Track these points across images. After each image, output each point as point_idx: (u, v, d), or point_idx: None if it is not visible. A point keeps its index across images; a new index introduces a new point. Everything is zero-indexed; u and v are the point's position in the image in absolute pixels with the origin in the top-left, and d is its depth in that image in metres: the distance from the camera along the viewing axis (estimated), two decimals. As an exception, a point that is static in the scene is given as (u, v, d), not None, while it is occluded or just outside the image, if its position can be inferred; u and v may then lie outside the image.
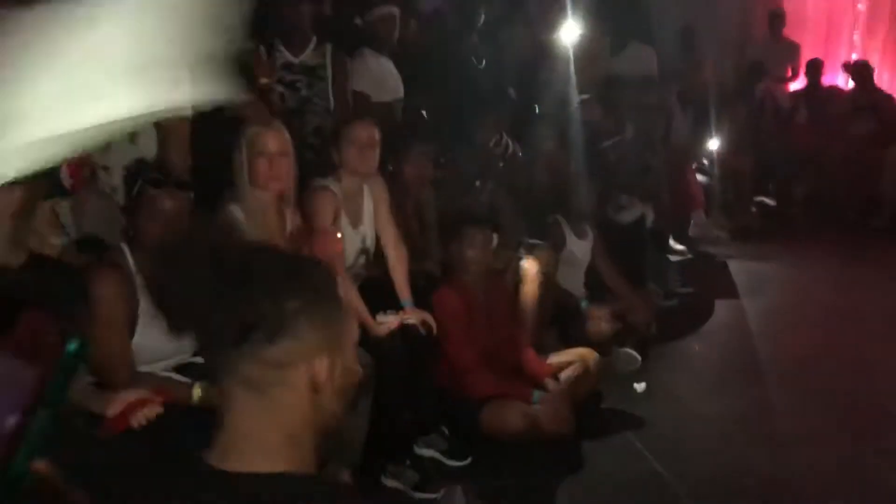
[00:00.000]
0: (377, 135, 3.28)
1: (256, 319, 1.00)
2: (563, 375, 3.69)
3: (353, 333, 1.15)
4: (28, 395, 1.08)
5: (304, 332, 1.02)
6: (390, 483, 3.11)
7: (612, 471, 3.36)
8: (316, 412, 1.06)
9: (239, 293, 1.00)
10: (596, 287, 4.55)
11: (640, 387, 4.05)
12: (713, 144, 6.49)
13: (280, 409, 1.04)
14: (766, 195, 7.46)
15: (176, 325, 1.07)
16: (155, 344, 2.35)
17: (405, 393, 3.14)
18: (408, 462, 3.18)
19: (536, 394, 3.49)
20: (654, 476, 3.30)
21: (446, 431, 3.40)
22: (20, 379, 1.08)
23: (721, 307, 5.22)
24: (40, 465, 1.14)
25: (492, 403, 3.37)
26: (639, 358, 4.27)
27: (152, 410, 1.94)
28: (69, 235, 2.74)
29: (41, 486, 1.16)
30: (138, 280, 2.36)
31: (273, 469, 1.02)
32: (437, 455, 3.33)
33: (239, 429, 1.04)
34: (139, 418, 1.97)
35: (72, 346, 1.10)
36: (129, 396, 2.02)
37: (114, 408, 2.03)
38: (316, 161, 3.58)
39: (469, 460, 3.33)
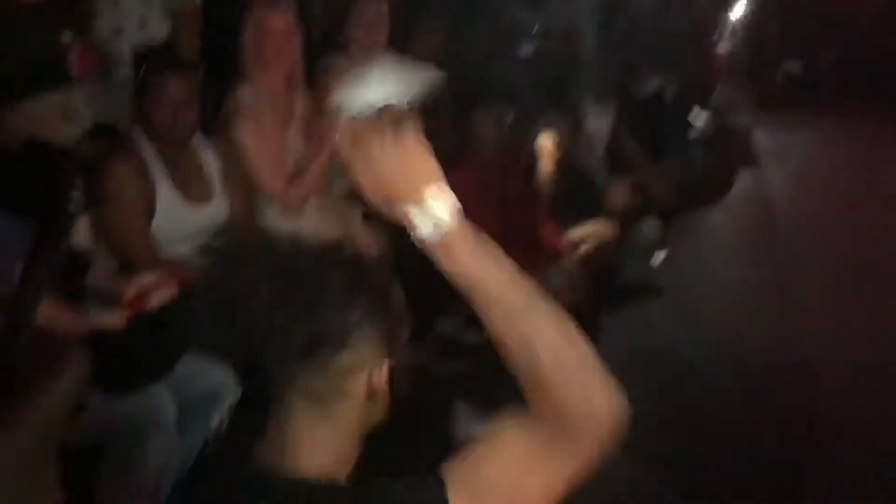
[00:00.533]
0: (385, 9, 3.21)
1: (323, 333, 0.98)
2: (580, 250, 3.70)
3: (405, 331, 1.12)
4: (28, 246, 1.11)
5: (366, 341, 1.02)
6: (411, 360, 3.20)
7: (629, 341, 3.43)
8: (369, 419, 1.08)
9: (305, 309, 0.98)
10: (615, 160, 4.51)
11: (658, 258, 4.07)
12: (738, 8, 6.26)
13: (337, 418, 1.04)
14: (793, 61, 7.24)
15: (246, 339, 1.00)
16: (174, 227, 2.40)
17: (421, 269, 3.18)
18: (427, 339, 3.27)
19: (553, 269, 3.52)
20: (670, 345, 3.37)
21: (464, 309, 3.46)
22: (20, 230, 1.12)
23: (744, 177, 5.16)
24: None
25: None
26: (659, 230, 4.27)
27: (169, 292, 1.99)
28: (81, 126, 2.75)
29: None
30: (153, 166, 2.38)
31: (321, 474, 1.02)
32: (455, 332, 3.41)
33: (295, 435, 1.03)
34: (155, 300, 2.03)
35: (72, 194, 1.12)
36: (146, 279, 2.07)
37: (131, 290, 2.09)
38: (325, 41, 3.52)
39: (486, 336, 3.40)
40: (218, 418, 2.08)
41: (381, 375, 1.05)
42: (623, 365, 3.32)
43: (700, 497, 2.53)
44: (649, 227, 4.27)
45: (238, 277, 0.99)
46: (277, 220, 2.79)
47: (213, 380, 2.16)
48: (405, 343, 1.14)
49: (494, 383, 3.02)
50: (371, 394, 1.04)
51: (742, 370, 3.18)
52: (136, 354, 1.98)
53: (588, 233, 3.81)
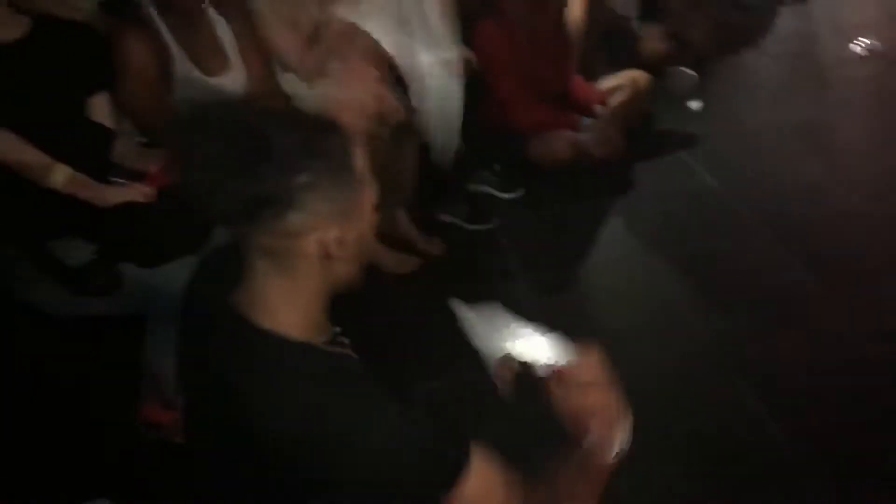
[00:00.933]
0: None
1: (266, 195, 0.98)
2: (613, 100, 3.61)
3: (369, 201, 1.09)
4: None
5: (312, 206, 1.00)
6: (445, 218, 3.23)
7: (664, 188, 3.40)
8: (329, 277, 1.08)
9: (249, 170, 0.97)
10: (649, 7, 4.33)
11: (695, 105, 3.96)
12: None
13: (296, 276, 1.05)
14: None
15: (191, 196, 1.02)
16: (194, 97, 2.39)
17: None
18: (461, 198, 3.28)
19: (585, 121, 3.46)
20: (706, 189, 3.33)
21: (497, 167, 3.45)
22: None
23: (785, 15, 4.91)
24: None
25: (539, 134, 3.36)
26: (695, 76, 4.14)
27: None
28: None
29: None
30: (167, 39, 2.35)
31: (287, 327, 1.05)
32: (488, 189, 3.40)
33: (260, 288, 1.06)
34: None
35: None
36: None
37: (155, 164, 2.11)
38: None
39: (520, 192, 3.40)
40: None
41: (331, 239, 1.04)
42: (657, 207, 3.36)
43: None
44: (684, 75, 4.14)
45: (190, 137, 1.00)
46: (298, 88, 2.75)
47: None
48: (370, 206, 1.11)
49: (526, 236, 3.06)
50: (325, 255, 1.04)
51: (778, 215, 3.13)
52: (166, 227, 2.01)
53: (622, 82, 3.71)
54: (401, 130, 2.86)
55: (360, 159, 1.06)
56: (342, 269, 1.09)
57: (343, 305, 1.17)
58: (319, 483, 1.00)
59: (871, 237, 3.01)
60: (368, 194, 1.08)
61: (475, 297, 2.79)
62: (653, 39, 4.06)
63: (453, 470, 1.01)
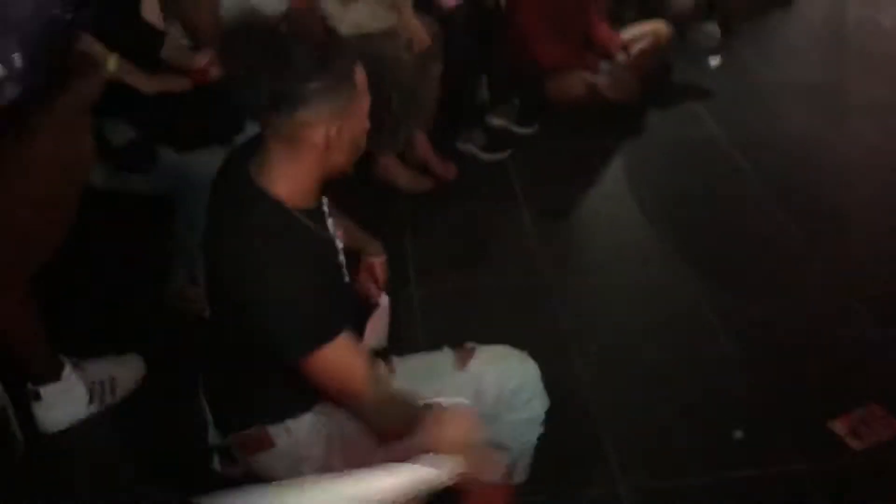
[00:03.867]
0: None
1: (285, 93, 1.26)
2: (634, 48, 3.76)
3: (364, 109, 1.38)
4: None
5: (318, 106, 1.28)
6: (463, 147, 3.43)
7: (672, 134, 3.57)
8: (325, 163, 1.36)
9: (275, 73, 1.24)
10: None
11: (714, 62, 4.09)
12: None
13: (301, 159, 1.33)
14: None
15: (229, 88, 1.32)
16: (238, 10, 2.59)
17: (474, 62, 3.34)
18: (480, 129, 3.47)
19: (604, 65, 3.62)
20: (711, 140, 3.50)
21: (515, 102, 3.63)
22: None
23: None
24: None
25: (558, 72, 3.53)
26: (717, 34, 4.26)
27: None
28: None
29: None
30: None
31: (288, 199, 1.35)
32: (506, 123, 3.59)
33: (272, 165, 1.35)
34: (216, 72, 2.30)
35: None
36: (211, 52, 2.32)
37: (197, 61, 2.35)
38: None
39: (536, 128, 3.59)
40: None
41: (333, 132, 1.30)
42: (663, 151, 3.54)
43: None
44: (708, 31, 4.26)
45: (234, 44, 1.33)
46: (335, 9, 2.94)
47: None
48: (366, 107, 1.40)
49: (536, 169, 3.26)
50: (328, 145, 1.31)
51: (775, 169, 3.30)
52: (203, 116, 2.26)
53: (644, 32, 3.85)
54: (426, 57, 3.05)
55: (360, 75, 1.34)
56: (337, 159, 1.37)
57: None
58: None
59: (866, 195, 3.17)
60: (364, 103, 1.37)
61: (482, 219, 3.00)
62: (684, -6, 4.19)
63: (319, 336, 1.30)
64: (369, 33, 2.93)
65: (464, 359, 1.59)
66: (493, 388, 1.56)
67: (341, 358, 1.32)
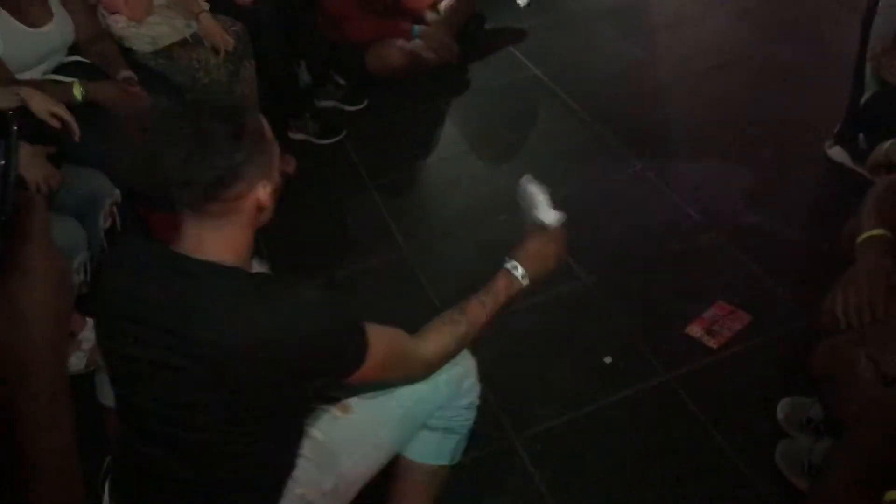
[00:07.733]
0: None
1: (220, 177, 1.22)
2: (442, 5, 3.79)
3: (277, 154, 1.34)
4: None
5: (250, 173, 1.25)
6: (295, 136, 3.39)
7: (497, 82, 3.66)
8: (255, 223, 1.32)
9: (205, 162, 1.21)
10: None
11: (522, 1, 4.19)
12: None
13: (232, 228, 1.28)
14: None
15: (161, 181, 1.25)
16: (21, 53, 2.45)
17: (287, 52, 3.29)
18: (309, 115, 3.43)
19: (416, 28, 3.64)
20: (534, 80, 3.60)
21: (340, 81, 3.61)
22: None
23: None
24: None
25: (374, 45, 3.53)
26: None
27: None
28: None
29: None
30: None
31: (223, 260, 1.28)
32: (335, 104, 3.58)
33: (194, 241, 1.28)
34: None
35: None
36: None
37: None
38: None
39: (365, 103, 3.59)
40: (103, 216, 2.31)
41: (265, 194, 1.28)
42: (492, 100, 3.62)
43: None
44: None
45: (158, 139, 1.26)
46: (124, 30, 2.83)
47: (93, 183, 2.36)
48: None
49: (372, 144, 3.27)
50: (260, 207, 1.30)
51: (593, 97, 3.45)
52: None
53: (450, -13, 3.89)
54: (234, 57, 2.99)
55: (265, 124, 1.31)
56: (266, 215, 1.34)
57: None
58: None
59: (679, 112, 3.35)
60: (276, 150, 1.34)
61: (334, 204, 2.97)
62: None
63: (355, 357, 1.32)
64: (168, 47, 2.85)
65: None
66: (445, 375, 1.59)
67: (382, 342, 1.37)
